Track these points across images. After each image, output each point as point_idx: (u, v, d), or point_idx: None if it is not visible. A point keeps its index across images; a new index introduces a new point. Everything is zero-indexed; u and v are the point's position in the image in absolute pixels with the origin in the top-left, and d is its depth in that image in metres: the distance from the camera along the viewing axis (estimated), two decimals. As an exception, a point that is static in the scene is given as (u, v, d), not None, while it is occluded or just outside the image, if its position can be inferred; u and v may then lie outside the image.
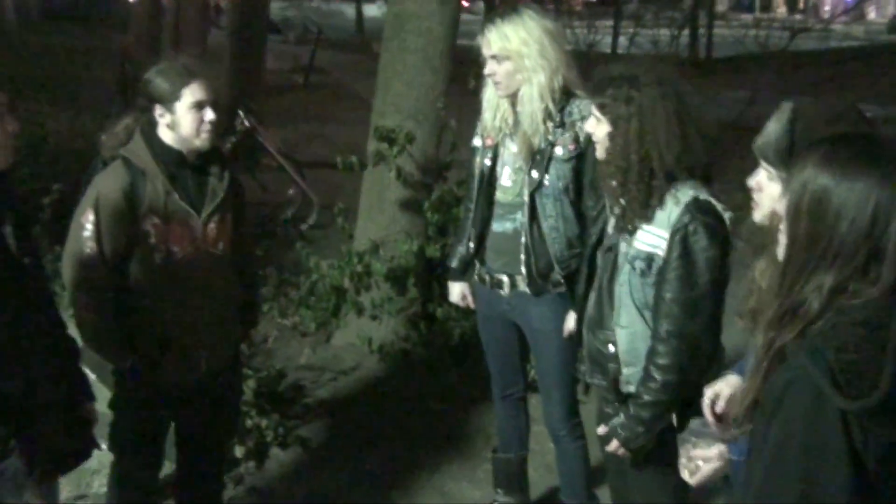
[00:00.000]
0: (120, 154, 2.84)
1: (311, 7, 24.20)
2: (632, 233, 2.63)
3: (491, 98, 3.19)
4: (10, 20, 17.40)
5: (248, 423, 3.99)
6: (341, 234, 5.11)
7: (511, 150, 3.18)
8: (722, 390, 2.12)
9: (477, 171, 3.26)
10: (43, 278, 2.49)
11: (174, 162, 2.85)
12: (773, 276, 1.65)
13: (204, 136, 2.83)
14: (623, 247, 2.66)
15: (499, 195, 3.23)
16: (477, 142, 3.29)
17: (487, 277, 3.29)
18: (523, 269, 3.16)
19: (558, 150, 3.08)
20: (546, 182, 3.09)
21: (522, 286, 3.19)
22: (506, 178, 3.21)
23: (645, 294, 2.62)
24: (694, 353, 2.53)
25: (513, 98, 3.12)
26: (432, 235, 4.86)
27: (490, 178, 3.23)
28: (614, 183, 2.63)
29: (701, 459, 2.10)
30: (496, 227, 3.24)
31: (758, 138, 1.96)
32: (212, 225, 2.90)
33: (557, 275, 3.14)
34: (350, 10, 24.98)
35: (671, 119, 2.54)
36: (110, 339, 2.88)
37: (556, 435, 3.35)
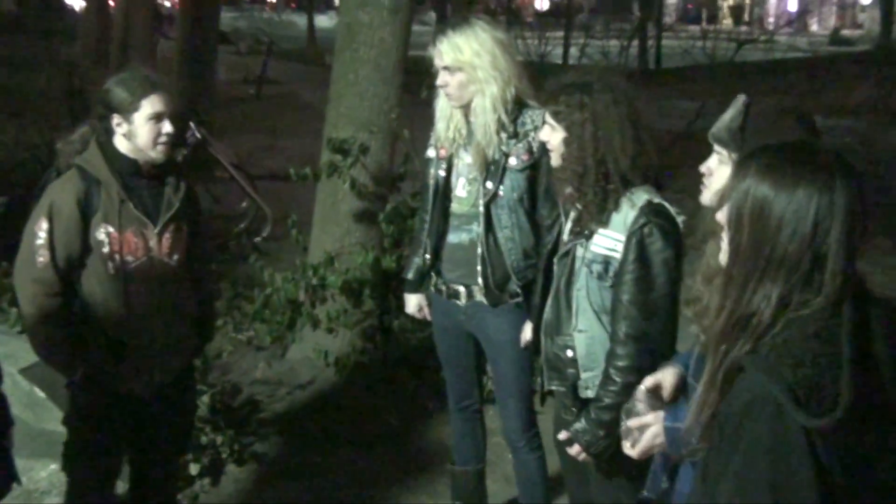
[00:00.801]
0: (75, 163, 2.82)
1: (263, 17, 24.10)
2: (588, 237, 2.65)
3: (444, 108, 3.19)
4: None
5: (203, 439, 3.94)
6: (295, 247, 5.07)
7: (465, 160, 3.19)
8: (665, 380, 2.14)
9: (431, 182, 3.26)
10: None
11: (129, 171, 2.83)
12: (718, 285, 1.66)
13: (160, 147, 2.82)
14: (579, 251, 2.68)
15: (454, 206, 3.23)
16: (431, 153, 3.29)
17: (444, 288, 3.29)
18: (480, 280, 3.16)
19: (512, 161, 3.09)
20: (501, 192, 3.10)
21: (479, 297, 3.19)
22: (460, 188, 3.21)
23: (602, 297, 2.64)
24: (652, 355, 2.54)
25: (466, 109, 3.12)
26: (387, 247, 4.84)
27: (445, 189, 3.23)
28: (570, 189, 2.65)
29: (638, 429, 2.08)
30: (452, 238, 3.24)
31: (713, 127, 2.08)
32: (167, 235, 2.87)
33: (514, 285, 3.15)
34: (302, 21, 24.93)
35: (624, 123, 2.58)
36: (62, 350, 2.84)
37: (514, 446, 3.34)
